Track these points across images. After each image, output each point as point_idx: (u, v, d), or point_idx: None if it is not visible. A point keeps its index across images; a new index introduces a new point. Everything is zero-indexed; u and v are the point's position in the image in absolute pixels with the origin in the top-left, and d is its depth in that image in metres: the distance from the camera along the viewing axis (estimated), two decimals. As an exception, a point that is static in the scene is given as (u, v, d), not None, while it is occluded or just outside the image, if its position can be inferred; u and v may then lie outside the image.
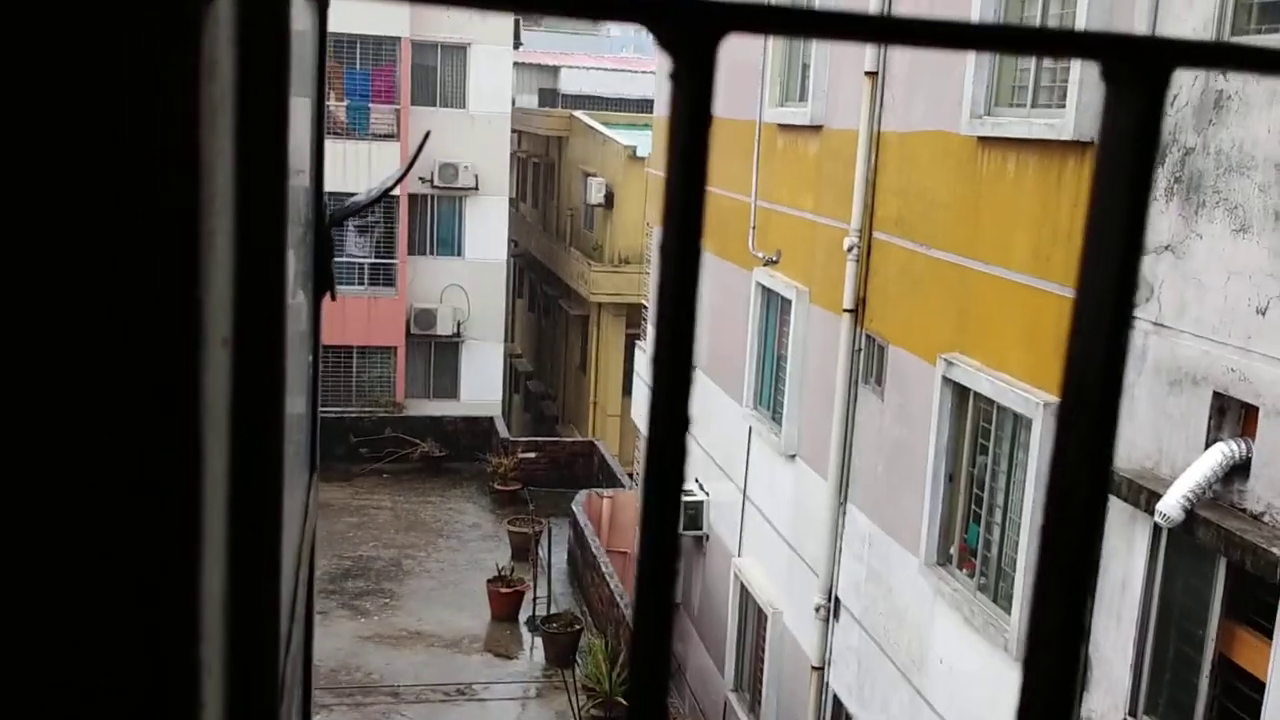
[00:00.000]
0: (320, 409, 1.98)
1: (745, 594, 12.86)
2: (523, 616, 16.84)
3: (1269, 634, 5.67)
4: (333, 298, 1.52)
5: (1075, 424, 0.32)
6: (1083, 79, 7.12)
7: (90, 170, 0.45)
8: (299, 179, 1.14)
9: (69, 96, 0.44)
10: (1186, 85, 6.24)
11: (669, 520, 0.36)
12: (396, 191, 23.75)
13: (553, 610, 16.44)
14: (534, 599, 16.61)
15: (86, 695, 0.50)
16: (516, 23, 26.12)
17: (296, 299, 1.17)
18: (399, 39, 24.31)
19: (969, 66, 8.36)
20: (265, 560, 0.69)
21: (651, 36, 0.27)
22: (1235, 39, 6.04)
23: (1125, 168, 0.28)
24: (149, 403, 0.46)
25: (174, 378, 0.46)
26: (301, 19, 1.11)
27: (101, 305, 0.46)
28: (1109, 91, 0.31)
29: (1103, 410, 0.31)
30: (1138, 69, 0.29)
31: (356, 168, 22.52)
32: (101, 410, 0.47)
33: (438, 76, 25.21)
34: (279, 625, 0.78)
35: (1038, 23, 7.92)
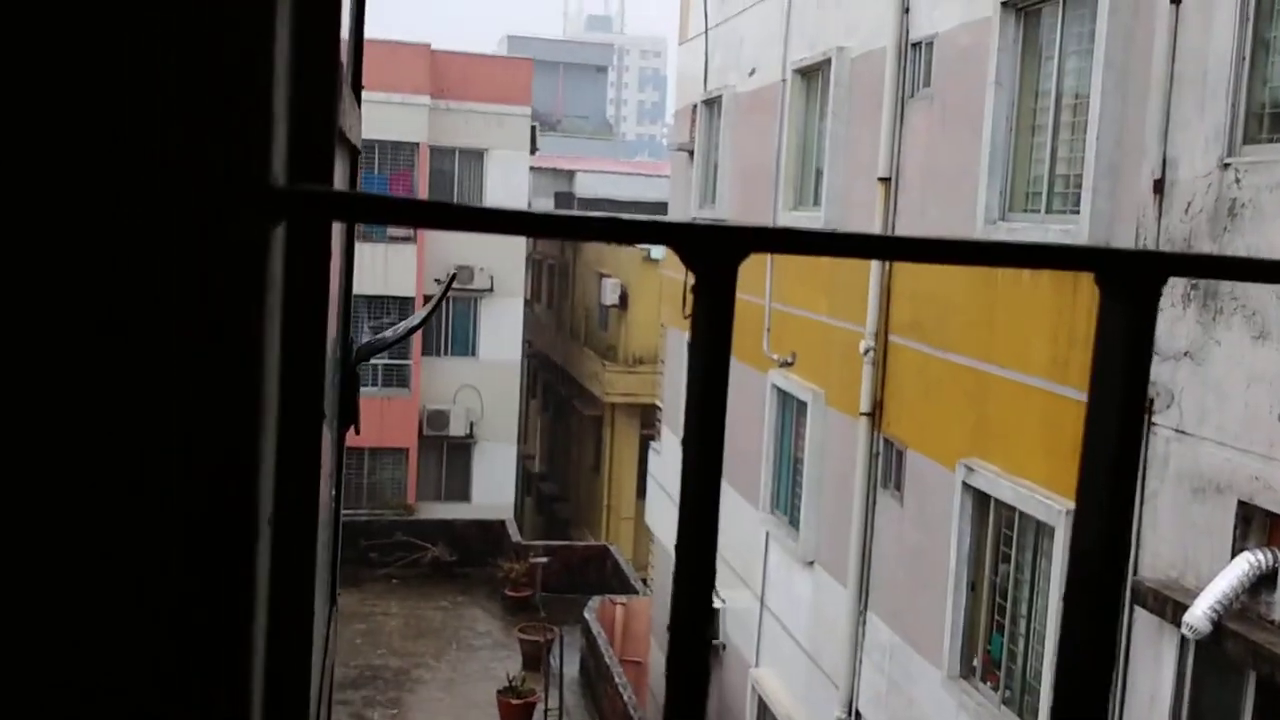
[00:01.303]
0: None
1: (763, 706, 12.57)
2: (534, 729, 16.48)
3: (1304, 751, 5.50)
4: (356, 432, 1.54)
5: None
6: (1095, 185, 7.20)
7: (169, 381, 0.49)
8: (329, 327, 1.17)
9: (152, 320, 0.49)
10: (1200, 192, 6.30)
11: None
12: (412, 293, 24.02)
13: (565, 722, 16.08)
14: (545, 710, 16.25)
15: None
16: (533, 129, 26.68)
17: (324, 438, 1.19)
18: (417, 144, 24.84)
19: (982, 172, 8.47)
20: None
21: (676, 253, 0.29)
22: (1247, 147, 6.11)
23: (1119, 370, 0.30)
24: (205, 588, 0.49)
25: (231, 563, 0.49)
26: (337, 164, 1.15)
27: (168, 496, 0.49)
28: (1103, 297, 0.32)
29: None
30: (1129, 279, 0.31)
31: (373, 270, 22.84)
32: (162, 594, 0.49)
33: (455, 180, 25.70)
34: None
35: (1050, 131, 8.04)
